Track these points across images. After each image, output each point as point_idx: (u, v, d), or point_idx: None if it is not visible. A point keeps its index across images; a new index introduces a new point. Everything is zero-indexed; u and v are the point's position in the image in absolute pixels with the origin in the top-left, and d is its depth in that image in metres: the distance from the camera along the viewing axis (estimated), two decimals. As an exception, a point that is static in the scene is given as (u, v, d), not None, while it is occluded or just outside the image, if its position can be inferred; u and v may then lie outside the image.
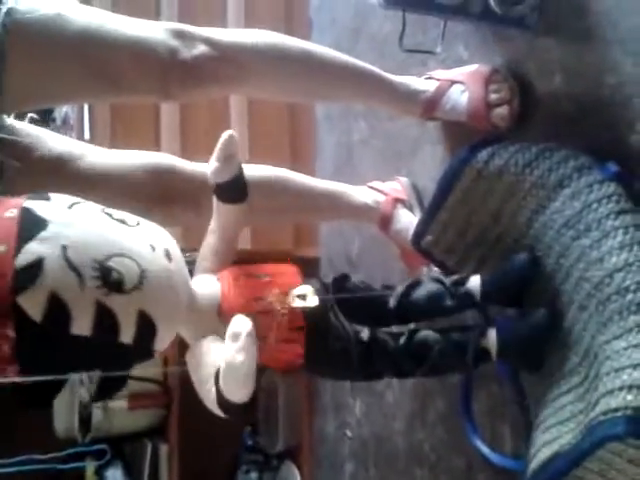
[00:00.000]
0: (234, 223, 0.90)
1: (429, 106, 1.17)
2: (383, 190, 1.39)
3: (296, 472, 1.91)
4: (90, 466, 1.72)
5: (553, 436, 0.83)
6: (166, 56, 0.98)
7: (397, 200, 1.37)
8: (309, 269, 1.90)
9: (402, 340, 0.89)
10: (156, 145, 1.78)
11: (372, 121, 1.60)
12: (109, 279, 0.67)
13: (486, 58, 1.17)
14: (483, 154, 0.91)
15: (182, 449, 1.80)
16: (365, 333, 0.88)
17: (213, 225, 0.90)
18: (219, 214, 0.89)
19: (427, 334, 0.90)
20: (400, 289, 0.94)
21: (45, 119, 1.59)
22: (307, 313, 0.84)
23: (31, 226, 0.67)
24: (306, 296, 0.84)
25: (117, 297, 0.67)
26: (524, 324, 0.89)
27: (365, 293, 0.95)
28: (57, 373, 0.67)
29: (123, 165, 1.13)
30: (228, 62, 1.02)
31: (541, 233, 0.89)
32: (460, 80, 1.15)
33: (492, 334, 0.89)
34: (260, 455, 2.01)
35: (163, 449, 1.80)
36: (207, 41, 1.01)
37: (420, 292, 0.94)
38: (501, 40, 1.16)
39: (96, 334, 0.67)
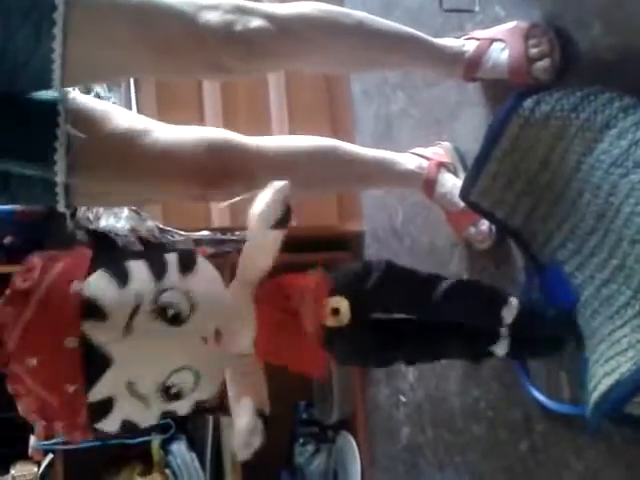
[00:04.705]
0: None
1: (471, 66, 1.20)
2: (426, 155, 1.42)
3: (353, 441, 1.94)
4: (155, 440, 1.79)
5: (612, 367, 0.86)
6: (222, 29, 0.99)
7: (440, 164, 1.40)
8: (354, 243, 1.95)
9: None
10: (200, 117, 1.82)
11: (410, 90, 1.63)
12: (170, 394, 0.79)
13: (523, 14, 1.19)
14: (529, 102, 0.94)
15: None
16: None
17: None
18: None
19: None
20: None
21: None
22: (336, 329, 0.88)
23: (96, 364, 0.75)
24: (339, 310, 0.87)
25: (177, 403, 0.80)
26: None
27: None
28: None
29: (185, 142, 1.14)
30: (286, 35, 1.04)
31: (589, 175, 0.92)
32: (499, 38, 1.17)
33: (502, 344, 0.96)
34: (316, 427, 2.05)
35: (224, 422, 1.86)
36: (264, 15, 1.03)
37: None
38: (536, -5, 1.18)
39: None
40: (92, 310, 0.75)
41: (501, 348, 0.97)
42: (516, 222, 1.05)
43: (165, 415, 0.81)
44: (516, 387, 1.28)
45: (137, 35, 0.98)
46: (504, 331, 0.96)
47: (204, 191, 1.14)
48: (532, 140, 0.96)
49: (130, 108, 1.73)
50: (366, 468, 1.91)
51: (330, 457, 2.01)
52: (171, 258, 0.81)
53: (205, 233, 1.75)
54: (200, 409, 0.85)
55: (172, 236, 1.73)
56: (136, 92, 1.76)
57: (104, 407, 0.77)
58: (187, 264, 0.81)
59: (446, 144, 1.44)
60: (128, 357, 0.75)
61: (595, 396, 0.87)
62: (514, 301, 0.95)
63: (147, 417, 0.81)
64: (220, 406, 1.92)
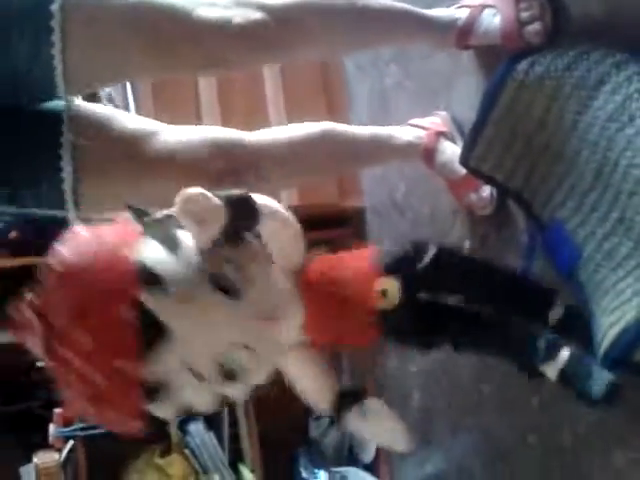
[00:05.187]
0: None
1: (463, 34, 1.22)
2: (423, 125, 1.44)
3: (365, 412, 1.98)
4: (173, 422, 1.84)
5: (618, 316, 0.89)
6: (221, 25, 1.01)
7: (439, 133, 1.42)
8: (355, 219, 1.97)
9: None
10: (197, 100, 1.84)
11: (403, 63, 1.65)
12: (226, 373, 0.73)
13: (513, -20, 1.21)
14: (523, 64, 0.96)
15: (256, 399, 1.90)
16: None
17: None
18: None
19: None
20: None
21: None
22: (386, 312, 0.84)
23: (151, 336, 0.69)
24: (387, 292, 0.84)
25: (233, 385, 0.75)
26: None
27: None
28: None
29: (193, 142, 1.16)
30: (284, 25, 1.05)
31: (586, 132, 0.94)
32: (490, 4, 1.19)
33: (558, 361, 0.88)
34: (328, 401, 2.09)
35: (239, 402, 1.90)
36: (262, 7, 1.04)
37: None
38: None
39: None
40: (146, 277, 0.69)
41: (552, 370, 0.88)
42: (516, 184, 1.07)
43: (220, 399, 0.76)
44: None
45: (136, 35, 1.00)
46: (565, 352, 0.88)
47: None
48: (528, 102, 0.98)
49: (127, 104, 1.75)
50: (380, 437, 1.95)
51: (344, 429, 2.06)
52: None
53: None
54: (252, 398, 0.82)
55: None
56: (132, 87, 1.78)
57: (159, 386, 0.71)
58: (236, 238, 0.76)
59: (443, 113, 1.46)
60: (185, 328, 0.70)
61: (605, 345, 0.90)
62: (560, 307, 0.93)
63: (202, 399, 0.75)
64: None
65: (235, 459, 1.92)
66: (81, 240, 0.72)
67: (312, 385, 0.86)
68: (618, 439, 1.12)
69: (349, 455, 2.06)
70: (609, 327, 0.90)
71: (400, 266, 0.86)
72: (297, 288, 0.82)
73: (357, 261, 0.87)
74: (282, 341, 0.80)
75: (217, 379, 0.73)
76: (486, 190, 1.35)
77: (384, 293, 0.84)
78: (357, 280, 0.84)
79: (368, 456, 1.99)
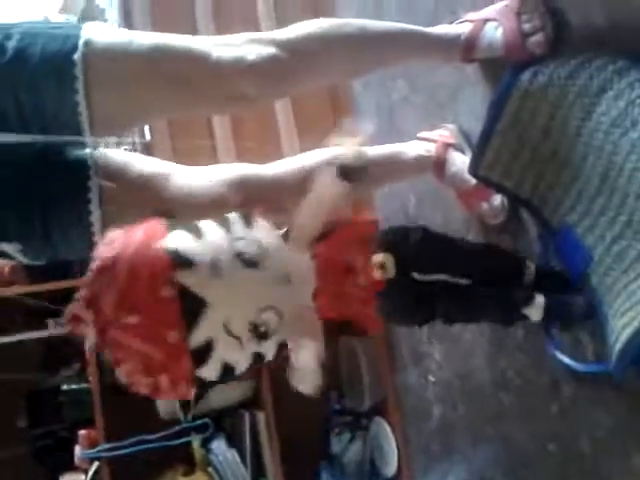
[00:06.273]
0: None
1: (468, 48, 1.24)
2: (432, 138, 1.47)
3: (386, 426, 1.99)
4: (196, 440, 1.84)
5: (631, 317, 0.90)
6: (236, 63, 1.04)
7: (447, 145, 1.44)
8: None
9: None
10: (211, 138, 1.88)
11: (409, 78, 1.68)
12: (259, 333, 0.87)
13: (513, -7, 1.23)
14: (526, 74, 0.99)
15: (277, 415, 1.91)
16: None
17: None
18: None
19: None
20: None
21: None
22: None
23: (192, 308, 0.82)
24: (385, 265, 0.97)
25: (265, 343, 0.88)
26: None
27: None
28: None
29: (208, 182, 1.20)
30: (297, 57, 1.09)
31: (591, 138, 0.96)
32: (492, 17, 1.21)
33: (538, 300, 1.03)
34: (349, 416, 2.10)
35: (260, 417, 1.91)
36: (274, 42, 1.08)
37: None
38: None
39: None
40: (179, 260, 0.82)
41: (536, 312, 1.03)
42: (525, 191, 1.09)
43: (255, 358, 0.88)
44: (541, 353, 1.32)
45: (157, 75, 1.04)
46: (540, 297, 1.03)
47: None
48: (532, 110, 1.00)
49: (143, 130, 1.80)
50: (402, 450, 1.95)
51: (365, 443, 2.06)
52: (233, 216, 0.91)
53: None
54: (279, 354, 0.92)
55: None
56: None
57: (205, 351, 0.83)
58: (248, 219, 0.91)
59: (450, 126, 1.49)
60: (220, 298, 0.82)
61: (618, 347, 0.91)
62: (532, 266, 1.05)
63: (241, 359, 0.87)
64: (256, 401, 1.98)
65: (257, 475, 1.93)
66: (117, 240, 0.85)
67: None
68: (636, 443, 1.12)
69: (371, 469, 2.06)
70: (622, 328, 0.91)
71: (393, 243, 1.00)
72: (310, 259, 0.94)
73: (358, 236, 1.00)
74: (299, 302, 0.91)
75: (251, 339, 0.86)
76: (497, 199, 1.36)
77: (382, 266, 0.97)
78: (362, 255, 0.97)
79: (390, 470, 1.99)
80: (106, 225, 1.09)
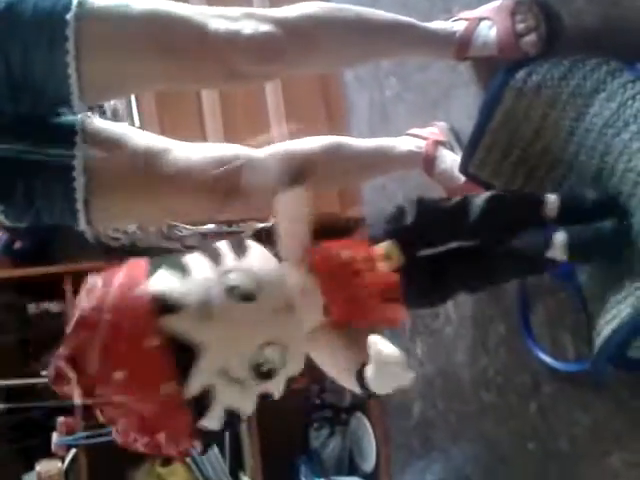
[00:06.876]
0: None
1: (462, 46, 1.24)
2: (422, 135, 1.47)
3: (366, 422, 1.99)
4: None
5: (613, 315, 0.91)
6: (232, 37, 1.03)
7: (438, 142, 1.45)
8: (355, 229, 1.99)
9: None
10: (201, 125, 1.87)
11: (402, 75, 1.68)
12: (262, 373, 0.76)
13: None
14: (520, 74, 0.99)
15: (257, 409, 1.90)
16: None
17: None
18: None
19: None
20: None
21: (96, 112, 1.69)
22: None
23: (184, 356, 0.72)
24: (389, 253, 0.89)
25: (270, 382, 0.78)
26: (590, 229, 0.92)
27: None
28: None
29: (204, 159, 1.18)
30: (294, 36, 1.07)
31: (584, 138, 0.97)
32: (487, 16, 1.22)
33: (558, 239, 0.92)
34: (329, 411, 2.10)
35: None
36: (271, 19, 1.06)
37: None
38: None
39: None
40: (164, 305, 0.73)
41: (560, 252, 0.92)
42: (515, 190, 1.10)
43: (263, 398, 0.79)
44: (523, 352, 1.33)
45: (151, 42, 1.01)
46: (559, 235, 0.92)
47: (222, 205, 1.18)
48: (525, 110, 1.01)
49: (132, 114, 1.78)
50: (381, 446, 1.96)
51: (345, 439, 2.06)
52: (222, 245, 0.82)
53: (211, 226, 1.80)
54: (291, 388, 0.82)
55: (180, 231, 1.77)
56: (136, 99, 1.81)
57: (204, 400, 0.74)
58: (239, 247, 0.81)
59: (441, 124, 1.49)
60: (213, 341, 0.74)
61: (598, 343, 0.92)
62: (551, 197, 0.95)
63: (246, 402, 0.78)
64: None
65: (236, 468, 1.93)
66: (96, 288, 0.75)
67: (340, 364, 0.86)
68: (614, 442, 1.14)
69: (350, 465, 2.06)
70: (604, 325, 0.92)
71: (390, 228, 0.92)
72: (309, 273, 0.85)
73: (354, 241, 0.92)
74: (306, 326, 0.83)
75: (254, 380, 0.76)
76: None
77: (387, 256, 0.89)
78: (361, 254, 0.88)
79: (369, 465, 2.00)
80: (94, 195, 1.07)
